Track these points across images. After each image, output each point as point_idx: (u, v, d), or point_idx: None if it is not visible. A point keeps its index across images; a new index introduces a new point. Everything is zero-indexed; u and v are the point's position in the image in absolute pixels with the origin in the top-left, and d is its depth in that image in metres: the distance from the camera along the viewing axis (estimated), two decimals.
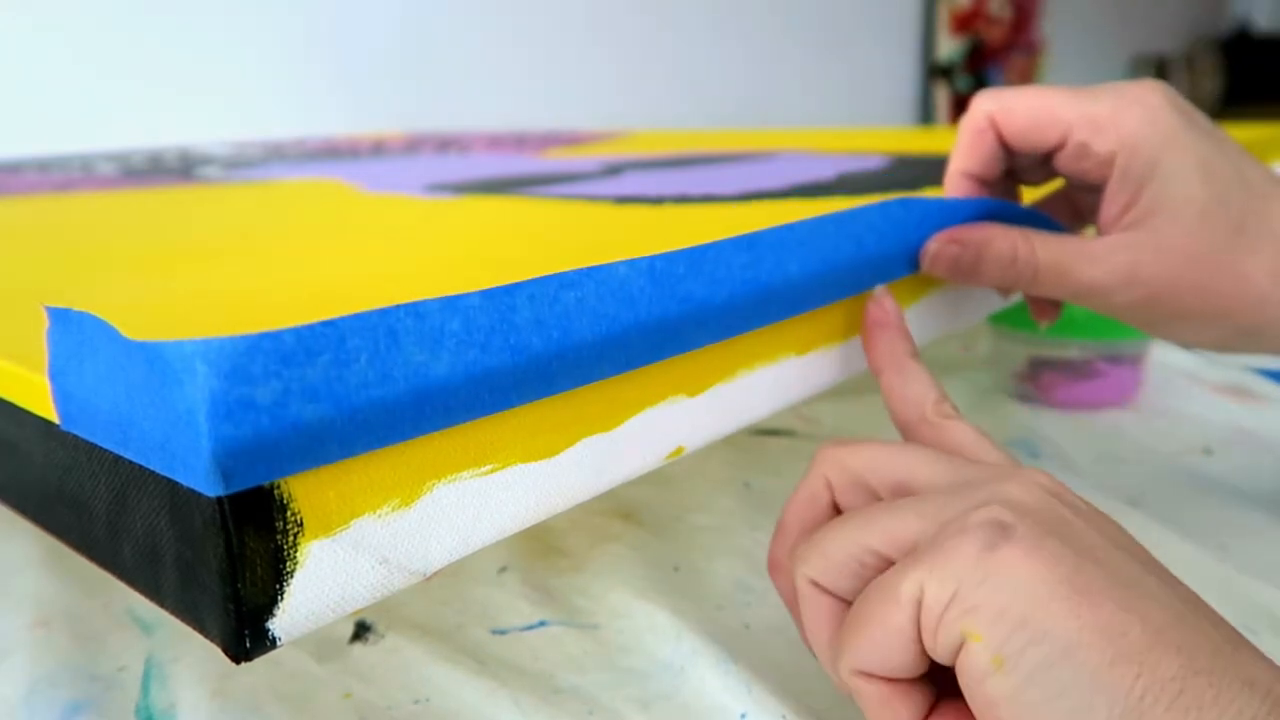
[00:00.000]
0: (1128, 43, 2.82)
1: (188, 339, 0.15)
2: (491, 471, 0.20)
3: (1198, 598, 0.20)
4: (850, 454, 0.25)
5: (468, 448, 0.20)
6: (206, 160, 0.76)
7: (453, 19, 1.27)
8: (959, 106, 2.07)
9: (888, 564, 0.22)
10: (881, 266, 0.29)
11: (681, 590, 0.34)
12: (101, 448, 0.18)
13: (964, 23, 2.07)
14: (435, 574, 0.20)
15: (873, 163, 0.51)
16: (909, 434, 0.27)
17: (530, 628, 0.32)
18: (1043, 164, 0.32)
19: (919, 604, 0.20)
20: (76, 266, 0.33)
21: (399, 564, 0.19)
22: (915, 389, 0.27)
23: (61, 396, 0.18)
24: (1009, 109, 0.30)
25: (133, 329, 0.16)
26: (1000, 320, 0.51)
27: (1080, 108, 0.29)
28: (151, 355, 0.15)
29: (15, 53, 0.94)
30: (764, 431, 0.49)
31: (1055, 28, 2.34)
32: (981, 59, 2.12)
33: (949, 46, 2.05)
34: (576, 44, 1.41)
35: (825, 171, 0.47)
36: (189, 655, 0.31)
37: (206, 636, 0.17)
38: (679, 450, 0.25)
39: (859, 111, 1.90)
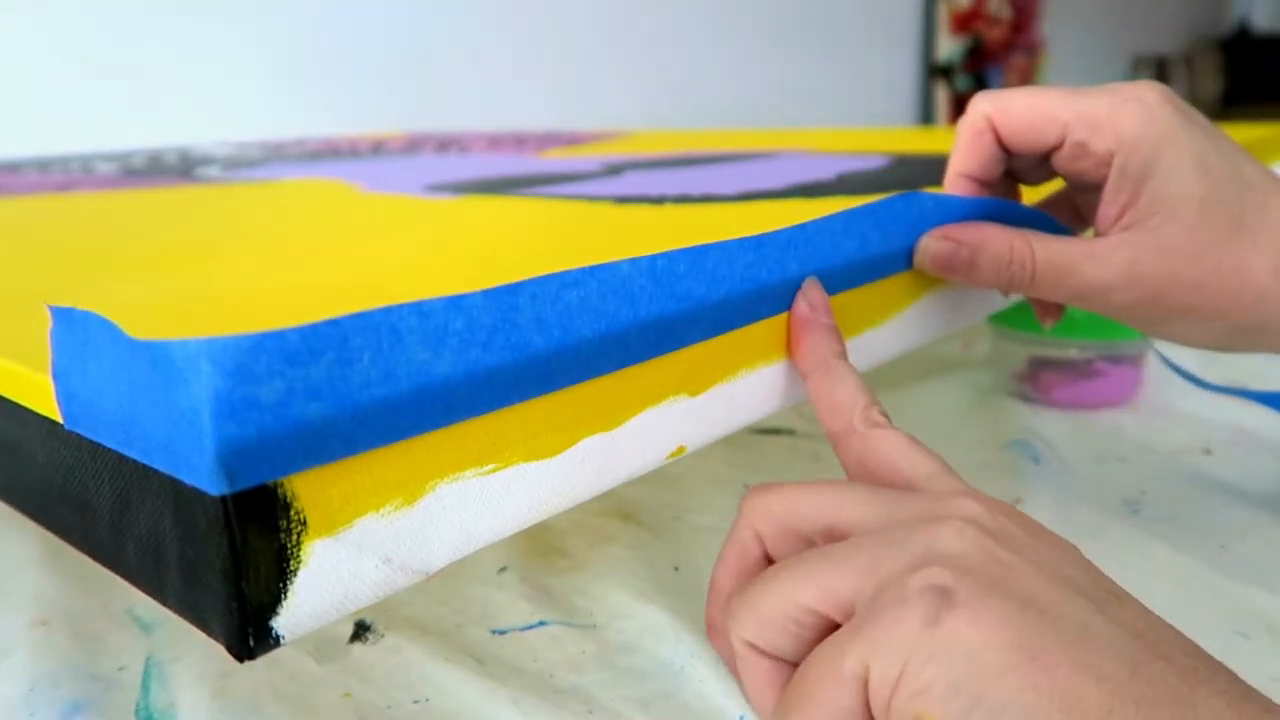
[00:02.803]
0: (1128, 43, 2.82)
1: (192, 338, 0.15)
2: (494, 471, 0.20)
3: (1151, 626, 0.19)
4: (776, 499, 0.23)
5: (470, 447, 0.20)
6: (206, 160, 0.76)
7: (453, 19, 1.27)
8: (959, 106, 2.07)
9: (826, 622, 0.21)
10: (883, 262, 0.29)
11: (681, 590, 0.34)
12: (105, 447, 0.18)
13: (964, 23, 2.07)
14: (436, 573, 0.20)
15: (873, 163, 0.51)
16: (838, 444, 0.25)
17: (530, 627, 0.32)
18: (1042, 164, 0.32)
19: (864, 682, 0.19)
20: (77, 266, 0.33)
21: (401, 563, 0.19)
22: (843, 394, 0.25)
23: (65, 396, 0.18)
24: (1006, 109, 0.30)
25: (135, 328, 0.16)
26: (1000, 320, 0.51)
27: (1077, 107, 0.29)
28: (156, 354, 0.16)
29: (15, 53, 0.94)
30: (764, 431, 0.49)
31: (1055, 28, 2.34)
32: (981, 59, 2.12)
33: (949, 46, 2.05)
34: (576, 44, 1.41)
35: (825, 171, 0.47)
36: (189, 655, 0.31)
37: (210, 635, 0.17)
38: (680, 450, 0.25)
39: (859, 111, 1.90)
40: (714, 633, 0.25)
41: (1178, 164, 0.28)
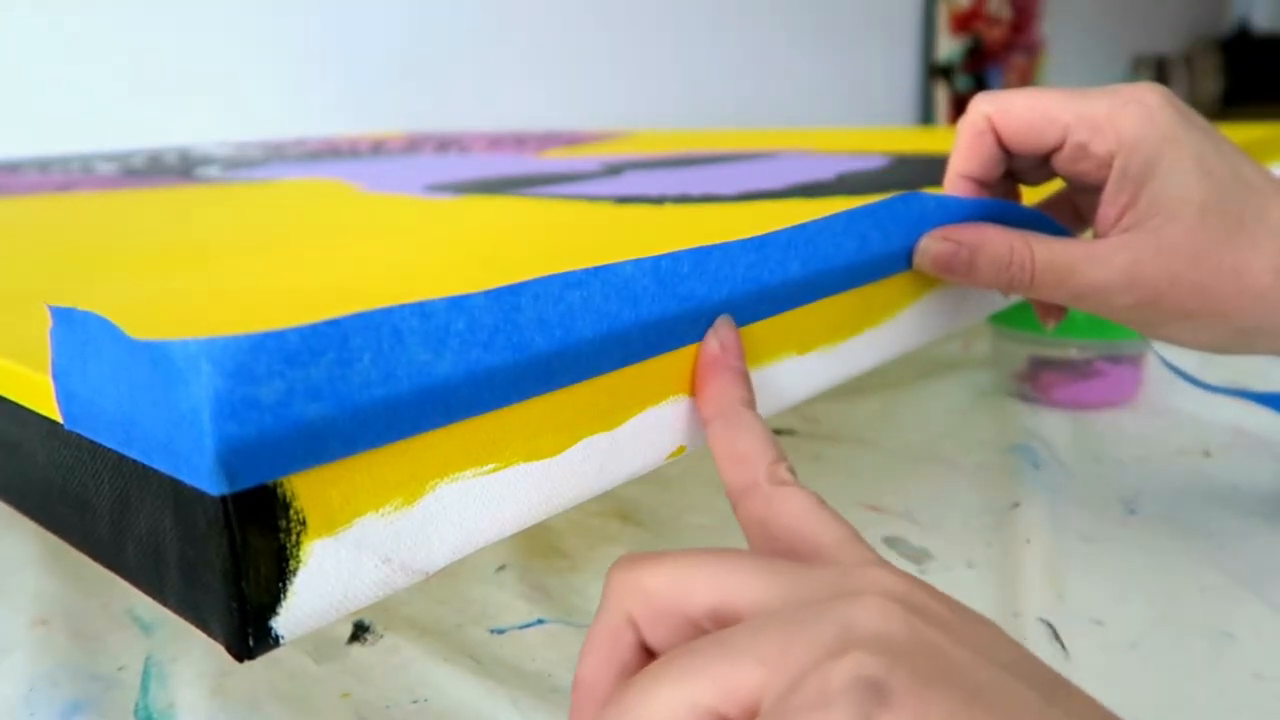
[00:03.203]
0: (1128, 43, 2.82)
1: (192, 338, 0.15)
2: (494, 471, 0.20)
3: (1066, 684, 0.17)
4: (651, 574, 0.19)
5: (470, 447, 0.20)
6: (206, 160, 0.76)
7: (453, 20, 1.27)
8: (959, 106, 2.07)
9: None
10: (884, 262, 0.29)
11: None
12: (105, 447, 0.18)
13: (964, 23, 2.07)
14: (436, 572, 0.20)
15: (873, 163, 0.51)
16: (738, 503, 0.22)
17: (528, 625, 0.32)
18: (1042, 165, 0.32)
19: None
20: (77, 266, 0.33)
21: (401, 563, 0.19)
22: (748, 445, 0.22)
23: (65, 396, 0.18)
24: (1007, 110, 0.30)
25: (135, 328, 0.16)
26: (1000, 320, 0.51)
27: (1078, 108, 0.29)
28: (156, 354, 0.16)
29: (15, 53, 0.94)
30: None
31: (1055, 28, 2.34)
32: (981, 59, 2.12)
33: (949, 46, 2.05)
34: (576, 44, 1.41)
35: (825, 171, 0.47)
36: (188, 655, 0.31)
37: (210, 635, 0.17)
38: (680, 450, 0.25)
39: (859, 111, 1.90)
40: None
41: (1178, 166, 0.28)
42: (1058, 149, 0.30)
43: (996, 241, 0.29)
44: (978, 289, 0.35)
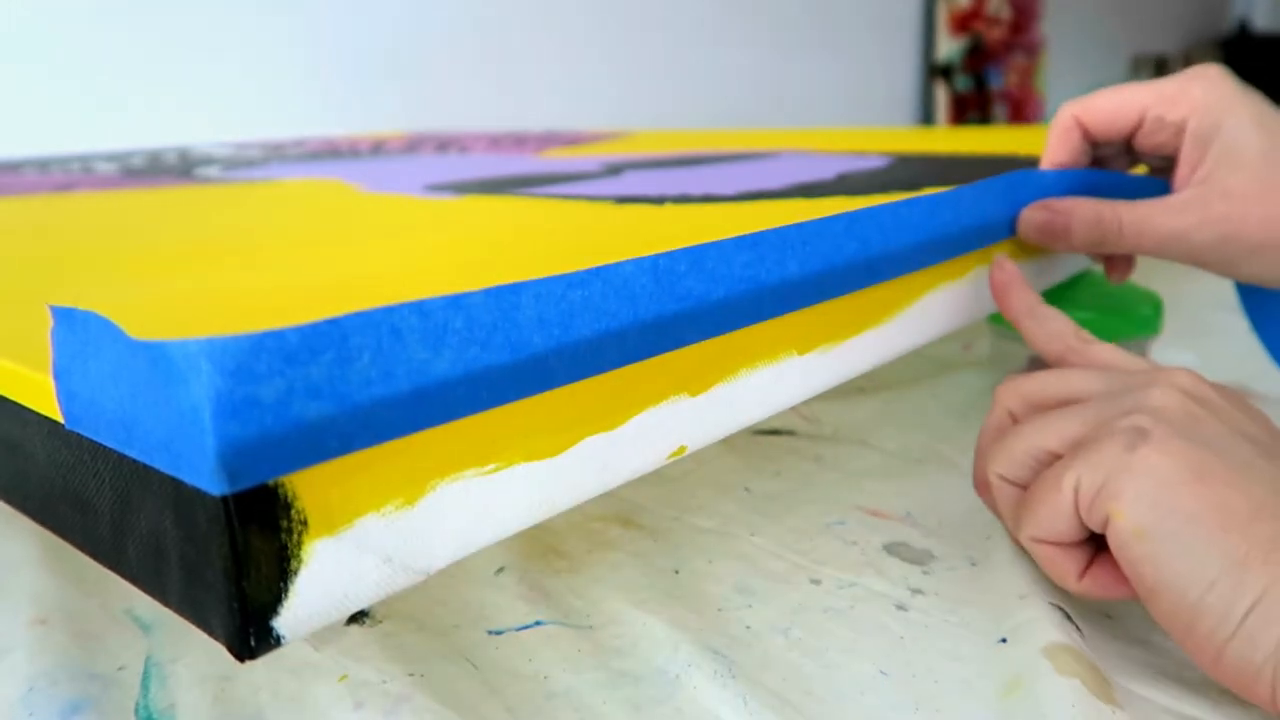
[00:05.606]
0: (1128, 43, 2.82)
1: (192, 338, 0.15)
2: (494, 471, 0.20)
3: None
4: (1026, 382, 0.31)
5: (471, 447, 0.20)
6: (206, 160, 0.76)
7: (452, 19, 1.27)
8: (959, 106, 2.08)
9: (1055, 458, 0.27)
10: (883, 265, 0.29)
11: (680, 594, 0.34)
12: (105, 447, 0.18)
13: (964, 23, 2.07)
14: (437, 572, 0.20)
15: (873, 163, 0.51)
16: (1060, 364, 0.32)
17: (525, 627, 0.32)
18: (1122, 154, 0.39)
19: (1076, 491, 0.25)
20: (77, 266, 0.33)
21: (402, 563, 0.19)
22: (1053, 326, 0.33)
23: (65, 395, 0.18)
24: (1090, 107, 0.37)
25: (136, 328, 0.16)
26: (1000, 320, 0.51)
27: (1153, 90, 0.36)
28: (156, 354, 0.16)
29: (15, 53, 0.94)
30: (764, 431, 0.49)
31: (1055, 28, 2.34)
32: (981, 59, 2.12)
33: (949, 46, 2.06)
34: (576, 44, 1.41)
35: (825, 171, 0.47)
36: (188, 655, 0.31)
37: (211, 635, 0.17)
38: (681, 449, 0.25)
39: (859, 111, 1.90)
40: (980, 488, 0.31)
41: (1238, 123, 0.34)
42: (1139, 127, 0.36)
43: (1085, 206, 0.35)
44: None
